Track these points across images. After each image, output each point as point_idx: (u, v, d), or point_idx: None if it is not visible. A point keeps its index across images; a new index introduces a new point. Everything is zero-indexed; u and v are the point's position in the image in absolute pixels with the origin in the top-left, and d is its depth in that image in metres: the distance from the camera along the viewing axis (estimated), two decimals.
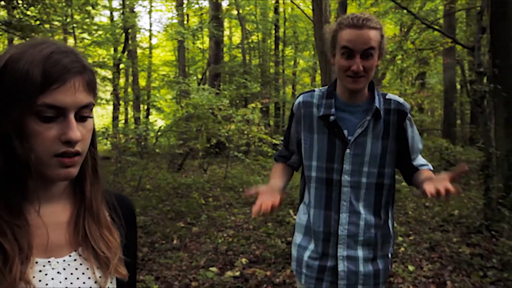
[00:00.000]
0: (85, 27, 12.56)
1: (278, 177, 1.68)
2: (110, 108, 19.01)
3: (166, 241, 4.65)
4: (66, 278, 0.76)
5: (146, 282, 3.54)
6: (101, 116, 24.42)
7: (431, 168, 1.58)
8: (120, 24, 13.68)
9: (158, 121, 16.21)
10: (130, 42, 12.91)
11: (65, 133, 0.71)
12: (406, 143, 1.56)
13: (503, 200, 4.78)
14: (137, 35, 17.45)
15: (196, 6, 17.78)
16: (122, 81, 17.15)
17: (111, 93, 12.33)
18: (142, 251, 4.39)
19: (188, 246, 4.45)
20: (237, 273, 3.61)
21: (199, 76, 19.56)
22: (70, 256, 0.79)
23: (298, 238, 1.65)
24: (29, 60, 0.69)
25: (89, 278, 0.79)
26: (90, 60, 10.70)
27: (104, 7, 15.12)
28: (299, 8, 7.63)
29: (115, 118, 12.71)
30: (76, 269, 0.78)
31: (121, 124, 14.56)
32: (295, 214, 5.89)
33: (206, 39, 18.25)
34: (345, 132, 1.52)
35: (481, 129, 5.09)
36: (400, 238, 4.37)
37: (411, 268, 3.48)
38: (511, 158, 5.10)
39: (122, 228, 0.88)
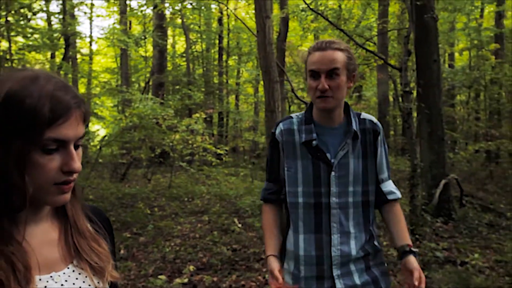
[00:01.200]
0: (19, 29, 12.05)
1: (273, 232, 1.65)
2: None
3: None
4: (72, 286, 0.83)
5: None
6: None
7: (399, 195, 1.65)
8: (59, 29, 13.27)
9: (100, 130, 15.82)
10: (70, 49, 12.58)
11: (67, 164, 0.77)
12: (375, 163, 1.62)
13: (426, 207, 5.33)
14: (77, 40, 16.99)
15: (140, 13, 17.60)
16: None
17: None
18: None
19: (135, 256, 4.54)
20: (186, 280, 3.78)
21: (142, 84, 19.33)
22: (68, 268, 0.84)
23: (291, 265, 1.63)
24: (35, 97, 0.73)
25: (89, 285, 0.85)
26: (28, 66, 10.25)
27: (42, 10, 14.57)
28: (242, 23, 7.92)
29: None
30: (77, 279, 0.85)
31: None
32: (240, 223, 6.08)
33: (149, 47, 18.12)
34: (328, 155, 1.56)
35: (408, 142, 5.63)
36: None
37: None
38: (434, 169, 5.68)
39: (106, 236, 0.95)
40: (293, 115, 1.67)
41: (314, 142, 1.55)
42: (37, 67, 13.74)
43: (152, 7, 14.21)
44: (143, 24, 17.91)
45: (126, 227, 5.72)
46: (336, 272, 1.53)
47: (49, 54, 15.00)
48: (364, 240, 1.58)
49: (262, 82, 15.59)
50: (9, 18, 11.49)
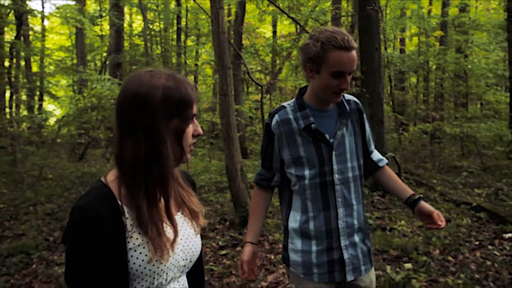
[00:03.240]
0: None
1: (258, 216, 1.82)
2: None
3: None
4: (180, 229, 1.11)
5: (58, 264, 3.92)
6: None
7: (386, 161, 1.83)
8: (10, 5, 12.87)
9: (56, 110, 15.61)
10: (22, 26, 12.27)
11: (196, 130, 1.10)
12: (364, 137, 1.76)
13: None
14: (28, 17, 16.47)
15: None
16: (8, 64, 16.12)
17: (2, 80, 11.69)
18: (54, 235, 4.69)
19: None
20: None
21: (98, 64, 19.07)
22: (178, 213, 1.14)
23: (298, 243, 1.70)
24: (184, 88, 1.05)
25: (190, 227, 1.15)
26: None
27: None
28: (200, 7, 8.15)
29: (9, 107, 12.08)
30: (183, 222, 1.14)
31: (13, 113, 13.77)
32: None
33: (106, 25, 17.83)
34: (327, 136, 1.65)
35: None
36: None
37: None
38: None
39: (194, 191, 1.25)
40: (285, 104, 1.73)
41: (313, 126, 1.64)
42: None
43: None
44: (99, 2, 17.56)
45: None
46: (343, 242, 1.66)
47: None
48: (362, 211, 1.72)
49: None
50: None
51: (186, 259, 1.11)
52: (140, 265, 0.99)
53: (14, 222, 5.36)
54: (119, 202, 1.00)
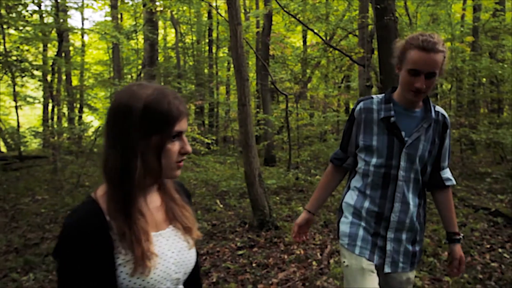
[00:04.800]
0: (11, 22, 12.39)
1: (323, 191, 1.98)
2: (39, 106, 18.82)
3: None
4: (172, 243, 1.10)
5: None
6: (30, 115, 23.82)
7: (454, 182, 1.85)
8: (52, 23, 13.69)
9: (93, 121, 16.39)
10: (63, 43, 13.08)
11: (183, 147, 1.05)
12: (440, 151, 1.80)
13: None
14: (69, 33, 17.42)
15: (131, 3, 17.93)
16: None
17: (45, 93, 12.50)
18: None
19: None
20: None
21: (134, 76, 19.86)
22: (169, 228, 1.12)
23: (349, 217, 1.82)
24: (166, 103, 1.00)
25: (183, 241, 1.13)
26: (19, 58, 10.62)
27: (33, 2, 14.75)
28: (227, 21, 8.50)
29: (51, 118, 12.87)
30: (175, 236, 1.12)
31: (55, 124, 14.61)
32: (221, 204, 6.82)
33: (141, 39, 18.59)
34: (403, 133, 1.72)
35: None
36: None
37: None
38: None
39: (188, 204, 1.22)
40: (374, 96, 1.81)
41: (392, 119, 1.72)
42: (30, 58, 14.21)
43: (142, 5, 14.69)
44: (134, 17, 18.35)
45: None
46: (390, 234, 1.74)
47: (41, 46, 15.39)
48: (417, 213, 1.78)
49: (251, 74, 16.04)
50: (1, 12, 11.89)
51: (180, 272, 1.11)
52: (130, 280, 0.99)
53: (53, 225, 5.83)
54: (107, 217, 1.00)
